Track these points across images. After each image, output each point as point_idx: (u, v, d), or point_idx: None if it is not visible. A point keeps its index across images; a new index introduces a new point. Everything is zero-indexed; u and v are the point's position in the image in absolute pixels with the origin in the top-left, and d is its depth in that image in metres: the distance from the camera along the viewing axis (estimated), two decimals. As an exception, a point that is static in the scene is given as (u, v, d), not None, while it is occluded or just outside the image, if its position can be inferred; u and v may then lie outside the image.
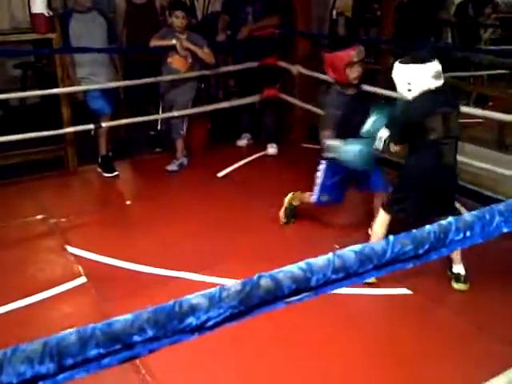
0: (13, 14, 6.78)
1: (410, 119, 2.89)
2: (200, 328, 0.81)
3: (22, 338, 0.70)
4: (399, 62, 2.85)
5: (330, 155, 3.31)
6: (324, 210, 3.82)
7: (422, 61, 2.77)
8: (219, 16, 5.32)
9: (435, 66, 2.77)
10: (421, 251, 1.00)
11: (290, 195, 3.78)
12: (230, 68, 5.20)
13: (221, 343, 2.42)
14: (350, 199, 3.82)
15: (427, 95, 2.78)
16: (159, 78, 4.77)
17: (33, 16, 4.61)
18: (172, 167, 4.84)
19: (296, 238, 3.71)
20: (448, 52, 5.77)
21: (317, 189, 3.57)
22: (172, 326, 0.78)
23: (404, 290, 3.01)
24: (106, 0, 5.39)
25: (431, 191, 2.90)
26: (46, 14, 4.52)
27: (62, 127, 4.70)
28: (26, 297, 2.95)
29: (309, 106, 4.89)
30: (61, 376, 0.70)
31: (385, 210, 3.00)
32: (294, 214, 3.80)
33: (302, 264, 0.92)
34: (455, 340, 2.65)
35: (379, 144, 2.96)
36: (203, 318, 0.80)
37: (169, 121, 4.88)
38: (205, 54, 4.59)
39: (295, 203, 3.77)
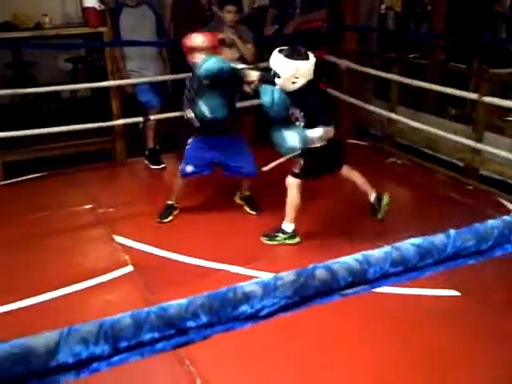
0: (65, 10, 6.95)
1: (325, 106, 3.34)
2: (254, 316, 0.79)
3: (69, 323, 0.69)
4: (284, 56, 3.08)
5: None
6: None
7: (306, 57, 3.12)
8: (266, 10, 5.29)
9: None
10: (484, 247, 0.95)
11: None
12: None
13: (266, 338, 2.42)
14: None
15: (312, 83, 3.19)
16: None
17: (85, 10, 4.71)
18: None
19: (343, 227, 3.64)
20: (503, 46, 5.57)
21: (183, 160, 3.73)
22: (226, 313, 0.76)
23: (452, 292, 2.91)
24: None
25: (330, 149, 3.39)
26: (98, 8, 4.61)
27: (111, 120, 4.79)
28: (73, 284, 3.02)
29: (357, 101, 4.81)
30: (115, 358, 0.69)
31: (298, 177, 3.37)
32: (169, 214, 3.84)
33: (358, 256, 0.89)
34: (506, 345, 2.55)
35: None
36: (257, 306, 0.79)
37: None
38: (246, 49, 4.57)
39: (170, 202, 3.86)
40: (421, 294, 2.90)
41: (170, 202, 3.86)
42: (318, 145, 3.21)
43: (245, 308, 0.78)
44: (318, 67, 4.97)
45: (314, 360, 2.45)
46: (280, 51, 3.12)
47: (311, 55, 3.17)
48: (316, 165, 3.40)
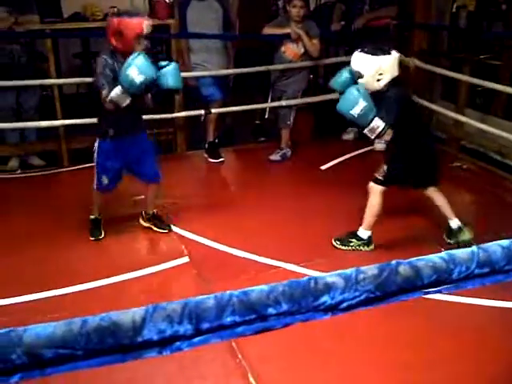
0: (133, 2, 7.10)
1: (403, 105, 3.08)
2: (334, 308, 0.78)
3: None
4: (366, 53, 2.98)
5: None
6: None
7: (389, 52, 3.00)
8: (333, 6, 5.24)
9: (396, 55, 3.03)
10: None
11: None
12: (343, 58, 5.09)
13: (316, 336, 2.39)
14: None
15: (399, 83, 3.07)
16: (271, 67, 4.79)
17: (154, 2, 4.81)
18: (275, 157, 4.86)
19: (399, 232, 3.55)
20: None
21: (95, 172, 3.33)
22: (306, 303, 0.75)
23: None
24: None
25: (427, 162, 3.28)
26: (167, 1, 4.69)
27: (173, 112, 4.87)
28: (131, 271, 3.08)
29: (421, 101, 4.69)
30: (197, 339, 0.69)
31: (380, 184, 3.20)
32: (97, 228, 3.51)
33: (443, 254, 0.86)
34: None
35: (372, 134, 3.00)
36: (338, 298, 0.77)
37: (277, 110, 4.88)
38: (311, 44, 4.53)
39: (93, 216, 3.53)
40: (473, 304, 2.75)
41: (92, 217, 3.53)
42: (369, 134, 3.04)
43: (325, 299, 0.76)
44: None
45: (364, 360, 2.41)
46: (361, 51, 3.02)
47: (394, 51, 3.05)
48: (400, 174, 3.24)
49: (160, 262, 3.19)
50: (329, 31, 4.95)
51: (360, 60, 3.00)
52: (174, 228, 3.61)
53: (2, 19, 4.28)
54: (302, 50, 4.61)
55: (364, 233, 3.33)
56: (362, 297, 0.78)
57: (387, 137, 3.07)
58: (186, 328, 0.69)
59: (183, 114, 4.83)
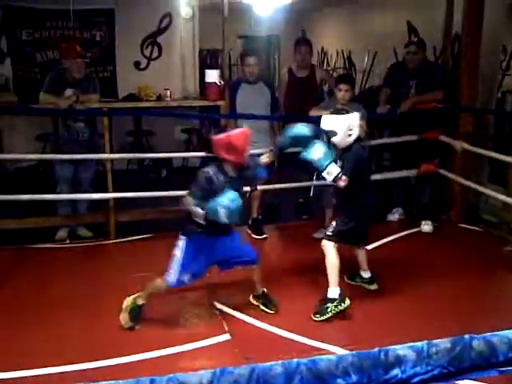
0: (185, 85, 7.49)
1: (362, 162, 3.45)
2: (405, 383, 0.74)
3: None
4: (334, 113, 3.38)
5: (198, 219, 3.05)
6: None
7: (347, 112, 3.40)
8: (379, 90, 5.36)
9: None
10: None
11: (133, 297, 3.30)
12: (389, 140, 5.17)
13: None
14: None
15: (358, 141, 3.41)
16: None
17: (206, 85, 5.06)
18: (320, 235, 4.79)
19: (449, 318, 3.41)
20: None
21: (175, 268, 3.18)
22: (377, 375, 0.72)
23: None
24: (271, 71, 5.74)
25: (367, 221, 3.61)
26: (218, 83, 4.92)
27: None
28: (170, 346, 3.03)
29: (470, 183, 4.65)
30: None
31: (331, 240, 3.40)
32: (138, 316, 3.29)
33: (519, 330, 0.81)
34: None
35: (329, 177, 3.23)
36: (409, 372, 0.74)
37: (321, 189, 4.91)
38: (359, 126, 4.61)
39: (140, 302, 3.29)
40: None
41: (140, 303, 3.31)
42: (326, 177, 3.27)
43: (396, 372, 0.73)
44: (432, 147, 4.96)
45: None
46: (330, 113, 3.43)
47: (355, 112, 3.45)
48: (347, 229, 3.44)
49: (200, 339, 3.12)
50: (374, 114, 5.03)
51: (332, 120, 3.37)
52: (216, 304, 3.57)
53: (67, 98, 4.58)
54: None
55: (333, 292, 3.38)
56: (435, 371, 0.74)
57: (342, 183, 3.25)
58: (253, 394, 0.66)
59: (229, 190, 4.91)
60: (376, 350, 0.72)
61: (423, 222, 4.97)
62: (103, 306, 3.54)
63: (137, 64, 7.44)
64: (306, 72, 5.32)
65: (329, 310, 3.34)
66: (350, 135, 3.35)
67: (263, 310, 3.49)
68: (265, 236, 4.91)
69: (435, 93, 4.85)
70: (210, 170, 3.13)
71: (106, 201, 4.84)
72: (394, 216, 5.27)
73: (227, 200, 2.94)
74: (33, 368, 2.79)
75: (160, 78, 7.06)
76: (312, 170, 3.44)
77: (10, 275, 4.07)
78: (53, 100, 4.64)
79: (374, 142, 5.26)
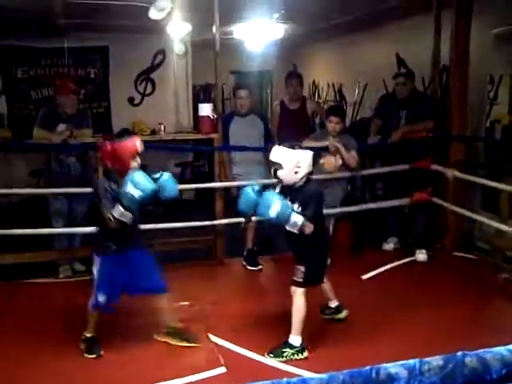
0: (178, 119, 7.58)
1: (319, 200, 3.30)
2: (398, 401, 0.74)
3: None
4: (287, 147, 3.19)
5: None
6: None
7: (301, 147, 3.25)
8: (369, 121, 5.44)
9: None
10: None
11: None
12: (381, 170, 5.21)
13: None
14: None
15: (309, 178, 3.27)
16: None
17: (199, 119, 5.11)
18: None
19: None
20: None
21: (94, 290, 3.21)
22: (369, 394, 0.72)
23: None
24: (264, 105, 5.82)
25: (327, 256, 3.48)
26: (211, 117, 4.98)
27: (214, 219, 4.96)
28: (164, 380, 2.97)
29: (463, 211, 4.67)
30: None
31: (302, 286, 3.27)
32: (94, 346, 3.33)
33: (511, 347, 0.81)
34: None
35: (294, 228, 3.09)
36: (402, 390, 0.73)
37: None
38: (350, 156, 4.65)
39: (89, 334, 3.35)
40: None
41: (88, 335, 3.37)
42: (291, 229, 3.13)
43: (389, 390, 0.72)
44: (424, 176, 5.00)
45: None
46: (280, 145, 3.27)
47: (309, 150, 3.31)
48: (316, 270, 3.38)
49: (195, 372, 3.07)
50: (365, 144, 5.09)
51: (280, 153, 3.20)
52: (211, 336, 3.52)
53: (60, 133, 4.61)
54: (340, 162, 4.72)
55: (295, 339, 3.29)
56: (428, 390, 0.74)
57: (308, 229, 3.13)
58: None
59: (224, 221, 4.92)
60: (368, 368, 0.72)
61: (418, 251, 4.97)
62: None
63: (131, 100, 7.54)
64: (297, 104, 5.40)
65: (285, 354, 3.25)
66: (296, 172, 3.19)
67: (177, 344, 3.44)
68: (260, 267, 4.90)
69: (425, 122, 4.92)
70: (102, 182, 3.17)
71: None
72: (389, 245, 5.28)
73: (128, 179, 2.98)
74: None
75: (154, 112, 7.15)
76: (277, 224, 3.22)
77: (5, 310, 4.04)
78: (47, 135, 4.67)
79: (365, 172, 5.30)
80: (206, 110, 5.02)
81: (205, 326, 3.68)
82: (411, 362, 0.75)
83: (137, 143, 3.16)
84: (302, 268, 3.29)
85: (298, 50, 10.13)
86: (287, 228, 3.12)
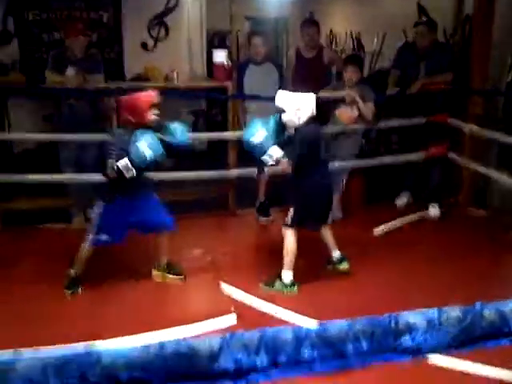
0: (192, 66, 7.43)
1: (308, 143, 3.32)
2: (415, 351, 0.74)
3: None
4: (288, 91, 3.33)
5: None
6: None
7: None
8: (388, 72, 5.31)
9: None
10: None
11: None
12: (397, 123, 5.11)
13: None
14: None
15: (313, 122, 3.33)
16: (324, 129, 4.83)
17: (214, 65, 5.02)
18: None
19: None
20: None
21: (94, 229, 3.36)
22: (386, 342, 0.72)
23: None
24: (279, 51, 5.68)
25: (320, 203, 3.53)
26: (226, 64, 4.88)
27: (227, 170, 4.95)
28: (176, 325, 3.04)
29: (478, 167, 4.61)
30: (273, 371, 0.67)
31: (289, 227, 3.46)
32: (76, 284, 3.50)
33: (530, 300, 0.81)
34: None
35: (269, 160, 3.22)
36: (419, 339, 0.73)
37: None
38: (367, 107, 4.56)
39: (72, 272, 3.49)
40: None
41: (73, 272, 3.51)
42: (266, 159, 3.26)
43: (407, 339, 0.73)
44: (441, 130, 4.91)
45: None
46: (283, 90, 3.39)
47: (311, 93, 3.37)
48: (302, 212, 3.49)
49: (205, 318, 3.13)
50: (383, 96, 4.98)
51: (284, 98, 3.33)
52: (223, 284, 3.58)
53: (72, 78, 4.53)
54: (356, 114, 4.65)
55: (286, 274, 3.51)
56: (446, 340, 0.74)
57: (282, 166, 3.31)
58: (262, 360, 0.66)
59: (236, 171, 4.90)
60: (386, 316, 0.72)
61: (430, 206, 4.94)
62: (112, 283, 3.58)
63: (144, 45, 7.38)
64: (313, 53, 5.26)
65: (275, 285, 3.51)
66: (299, 117, 3.29)
67: (172, 278, 3.63)
68: (270, 218, 4.92)
69: (445, 75, 4.79)
70: (119, 132, 3.29)
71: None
72: (402, 200, 5.24)
73: (141, 136, 3.06)
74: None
75: (167, 58, 6.99)
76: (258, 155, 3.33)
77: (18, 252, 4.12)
78: (60, 79, 4.60)
79: (381, 125, 5.21)
80: (220, 56, 4.92)
81: (217, 275, 3.74)
82: (430, 311, 0.74)
83: (153, 95, 3.23)
84: (291, 210, 3.49)
85: (315, -3, 9.82)
86: (263, 158, 3.24)
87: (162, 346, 0.64)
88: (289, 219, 3.51)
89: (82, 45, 4.74)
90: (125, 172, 3.09)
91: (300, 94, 3.35)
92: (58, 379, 0.59)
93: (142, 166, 3.12)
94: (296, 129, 3.35)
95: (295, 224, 3.50)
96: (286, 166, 3.30)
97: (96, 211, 3.39)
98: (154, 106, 3.24)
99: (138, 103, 3.19)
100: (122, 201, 3.33)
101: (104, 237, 3.35)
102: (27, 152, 6.14)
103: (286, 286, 3.50)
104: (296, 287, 3.51)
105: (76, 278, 3.51)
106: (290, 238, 3.50)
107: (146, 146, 3.03)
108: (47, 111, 6.22)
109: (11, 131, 5.83)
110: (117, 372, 0.62)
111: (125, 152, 3.10)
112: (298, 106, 3.27)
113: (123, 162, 3.07)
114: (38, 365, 0.59)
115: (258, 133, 3.19)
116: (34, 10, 6.90)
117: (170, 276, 3.66)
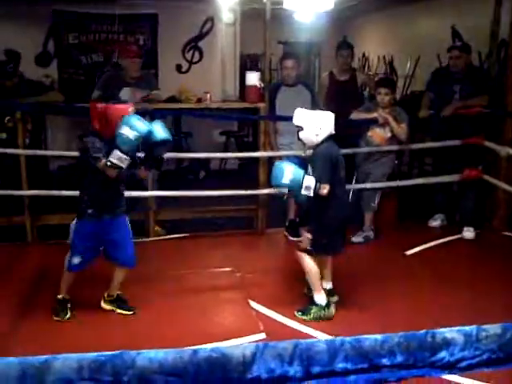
0: (224, 88, 7.54)
1: (332, 162, 3.23)
2: (452, 366, 0.72)
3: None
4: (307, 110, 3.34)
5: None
6: None
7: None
8: (421, 94, 5.28)
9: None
10: None
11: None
12: (432, 144, 5.07)
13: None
14: None
15: (332, 140, 3.29)
16: (357, 150, 4.82)
17: (246, 88, 5.07)
18: (357, 239, 4.77)
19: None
20: None
21: (70, 251, 3.26)
22: (422, 356, 0.70)
23: None
24: (311, 74, 5.72)
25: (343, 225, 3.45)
26: (258, 86, 4.94)
27: (256, 189, 4.97)
28: (204, 343, 2.99)
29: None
30: (306, 382, 0.66)
31: (310, 254, 3.33)
32: (64, 309, 3.37)
33: None
34: None
35: (309, 192, 3.10)
36: (457, 355, 0.71)
37: (361, 193, 4.85)
38: (400, 128, 4.54)
39: (60, 296, 3.38)
40: None
41: (60, 297, 3.39)
42: (306, 193, 3.13)
43: (443, 355, 0.71)
44: (476, 153, 4.85)
45: None
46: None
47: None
48: (324, 241, 3.37)
49: (234, 337, 3.11)
50: (416, 118, 4.95)
51: (301, 115, 3.30)
52: (252, 303, 3.57)
53: (130, 98, 4.63)
54: (389, 135, 4.63)
55: (319, 297, 3.37)
56: (484, 356, 0.72)
57: (324, 190, 3.15)
58: (295, 369, 0.65)
59: (266, 191, 4.91)
60: (423, 331, 0.70)
61: (465, 229, 4.85)
62: (144, 301, 3.58)
63: (178, 67, 7.53)
64: (347, 76, 5.29)
65: (312, 311, 3.37)
66: (317, 134, 3.26)
67: (120, 313, 3.45)
68: (301, 238, 4.89)
69: (480, 98, 4.73)
70: (92, 138, 3.11)
71: (145, 200, 4.90)
72: (436, 222, 5.16)
73: (122, 122, 2.99)
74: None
75: (200, 81, 7.12)
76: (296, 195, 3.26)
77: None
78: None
79: (415, 147, 5.17)
80: (253, 78, 4.97)
81: (245, 293, 3.73)
82: (468, 328, 0.72)
83: (129, 109, 3.12)
84: (309, 235, 3.37)
85: (348, 22, 9.89)
86: (303, 193, 3.13)
87: (195, 351, 0.64)
88: (308, 244, 3.37)
89: (137, 66, 4.94)
90: (120, 163, 3.00)
91: (319, 112, 3.36)
92: (93, 380, 0.59)
93: (133, 148, 3.06)
94: (314, 149, 3.34)
95: (319, 250, 3.38)
96: (327, 190, 3.17)
97: (71, 228, 3.31)
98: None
99: (111, 115, 3.09)
100: (94, 221, 3.22)
101: (76, 259, 3.24)
102: (62, 168, 6.31)
103: (322, 308, 3.37)
104: (332, 309, 3.39)
105: (64, 302, 3.40)
106: (308, 261, 3.37)
107: (128, 129, 2.96)
108: (83, 130, 6.38)
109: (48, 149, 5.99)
110: (150, 376, 0.62)
111: (103, 150, 3.06)
112: (318, 125, 3.25)
113: (114, 155, 2.99)
114: (74, 365, 0.60)
115: (285, 172, 3.11)
116: (73, 32, 7.14)
117: (119, 311, 3.48)
